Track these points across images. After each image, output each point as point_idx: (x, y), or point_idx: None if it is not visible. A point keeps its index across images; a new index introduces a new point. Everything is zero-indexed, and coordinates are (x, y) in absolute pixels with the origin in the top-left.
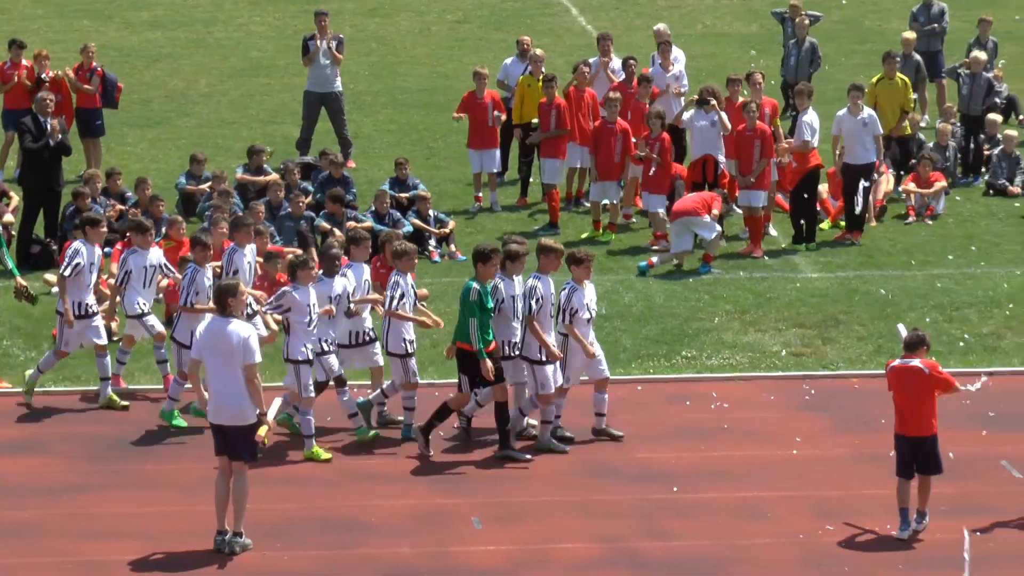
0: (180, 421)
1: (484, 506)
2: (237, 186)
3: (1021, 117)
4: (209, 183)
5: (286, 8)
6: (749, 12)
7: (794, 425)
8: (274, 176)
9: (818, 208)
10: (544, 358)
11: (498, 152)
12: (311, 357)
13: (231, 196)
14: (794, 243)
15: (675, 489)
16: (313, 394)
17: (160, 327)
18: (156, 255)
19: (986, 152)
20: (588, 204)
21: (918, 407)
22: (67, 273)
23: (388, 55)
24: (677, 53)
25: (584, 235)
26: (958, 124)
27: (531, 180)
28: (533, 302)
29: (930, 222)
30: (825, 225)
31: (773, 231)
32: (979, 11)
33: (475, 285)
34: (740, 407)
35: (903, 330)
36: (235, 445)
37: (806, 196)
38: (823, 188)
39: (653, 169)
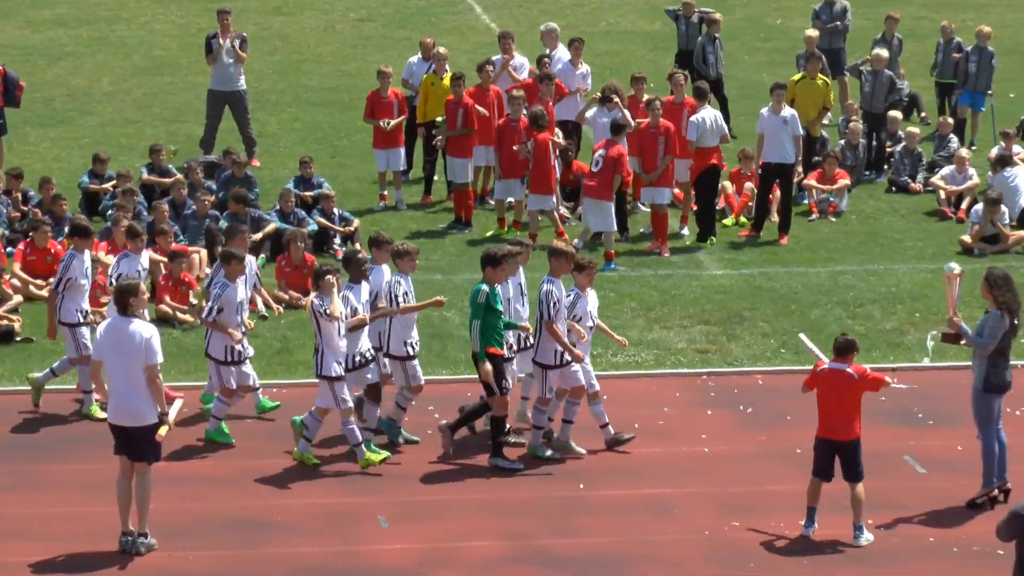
0: (228, 438)
1: (390, 505)
2: (142, 185)
3: (923, 114)
4: (113, 182)
5: (189, 6)
6: (652, 10)
7: (699, 421)
8: (179, 176)
9: (723, 205)
10: (557, 363)
11: (403, 150)
12: (342, 373)
13: (135, 195)
14: (698, 240)
15: (581, 486)
16: (351, 404)
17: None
18: (146, 260)
19: (888, 149)
20: (493, 202)
21: (845, 411)
22: (59, 289)
23: (292, 53)
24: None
25: (489, 233)
26: (860, 121)
27: (435, 178)
28: (549, 307)
29: (833, 219)
30: (728, 222)
31: (685, 231)
32: (880, 9)
33: (484, 287)
34: (646, 404)
35: (807, 341)
36: (138, 446)
37: (703, 194)
38: (727, 185)
39: (529, 168)
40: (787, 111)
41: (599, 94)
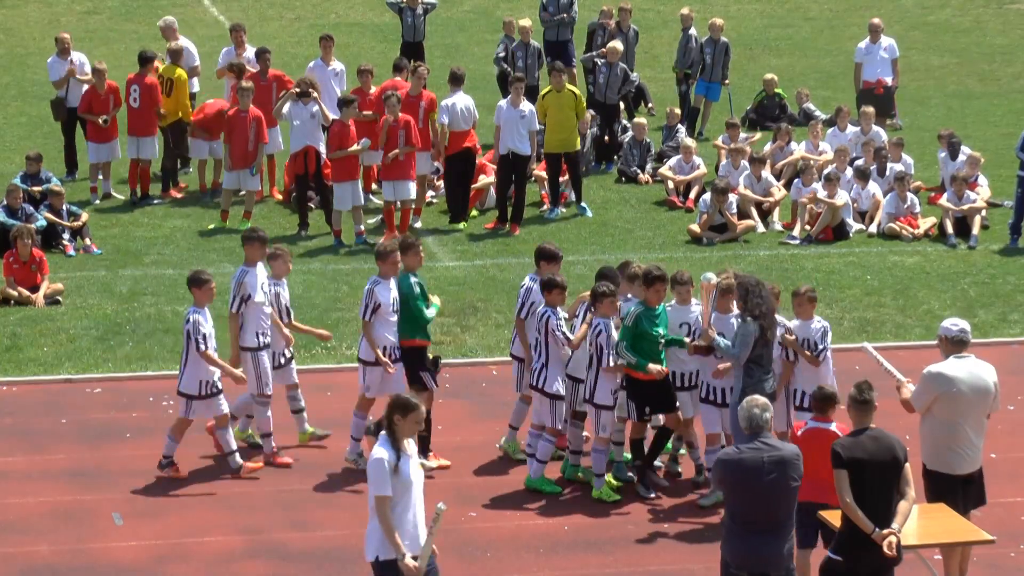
0: (554, 486)
1: (124, 501)
2: None
3: (650, 105)
4: None
5: None
6: (380, 2)
7: (434, 412)
8: None
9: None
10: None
11: (117, 142)
12: (564, 392)
13: None
14: (451, 223)
15: (318, 480)
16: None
17: None
18: None
19: (619, 140)
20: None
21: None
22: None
23: (16, 47)
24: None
25: (211, 226)
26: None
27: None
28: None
29: (564, 210)
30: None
31: (418, 224)
32: (607, 1)
33: (634, 309)
34: None
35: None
36: None
37: (455, 177)
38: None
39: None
40: (526, 106)
41: (296, 88)
